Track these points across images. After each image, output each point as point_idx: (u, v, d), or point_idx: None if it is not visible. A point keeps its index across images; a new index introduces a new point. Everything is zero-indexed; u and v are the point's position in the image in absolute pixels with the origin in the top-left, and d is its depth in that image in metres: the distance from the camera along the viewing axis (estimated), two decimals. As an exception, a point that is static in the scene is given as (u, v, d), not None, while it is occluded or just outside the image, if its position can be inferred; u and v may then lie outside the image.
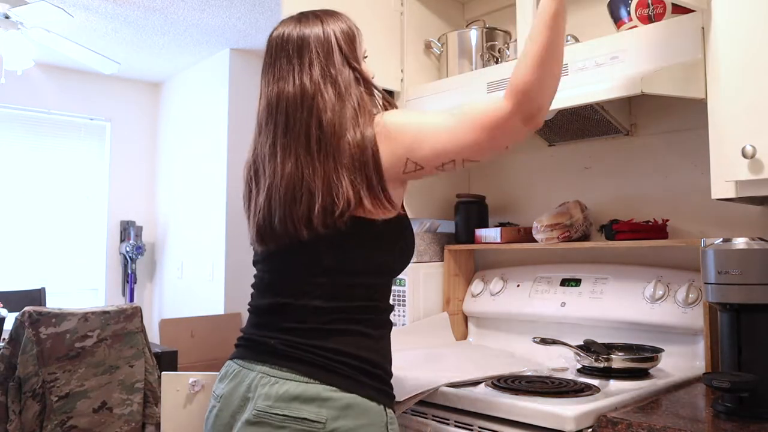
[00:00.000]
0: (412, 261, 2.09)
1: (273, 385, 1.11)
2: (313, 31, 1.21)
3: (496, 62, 2.10)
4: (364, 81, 1.21)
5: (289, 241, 1.17)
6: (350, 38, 1.23)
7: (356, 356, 1.13)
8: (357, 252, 1.16)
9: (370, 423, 1.09)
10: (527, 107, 1.10)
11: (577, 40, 1.85)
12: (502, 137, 1.12)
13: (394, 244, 1.21)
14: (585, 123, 1.88)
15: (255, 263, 1.30)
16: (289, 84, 1.19)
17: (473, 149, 1.13)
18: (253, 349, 1.19)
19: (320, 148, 1.14)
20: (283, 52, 1.21)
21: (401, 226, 1.23)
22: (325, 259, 1.16)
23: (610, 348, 1.62)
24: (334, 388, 1.09)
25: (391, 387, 1.19)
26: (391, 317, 1.68)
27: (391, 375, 1.20)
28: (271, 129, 1.22)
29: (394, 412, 1.18)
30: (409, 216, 2.18)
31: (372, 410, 1.11)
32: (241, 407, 1.15)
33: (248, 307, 1.30)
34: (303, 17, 1.25)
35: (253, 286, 1.30)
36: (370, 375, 1.14)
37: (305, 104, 1.16)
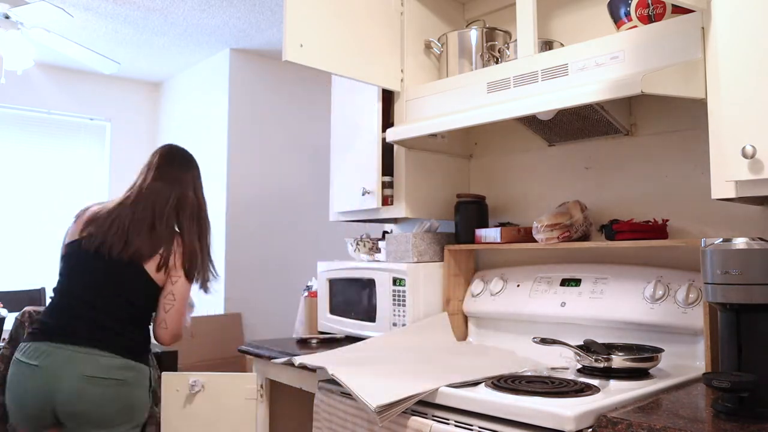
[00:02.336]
0: (412, 261, 2.10)
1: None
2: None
3: (496, 62, 2.10)
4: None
5: None
6: None
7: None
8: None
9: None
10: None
11: (561, 45, 1.86)
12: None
13: None
14: (585, 123, 1.88)
15: None
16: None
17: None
18: None
19: None
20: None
21: None
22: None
23: (610, 348, 1.62)
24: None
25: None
26: (392, 317, 1.68)
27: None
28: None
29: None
30: (410, 216, 2.20)
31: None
32: None
33: None
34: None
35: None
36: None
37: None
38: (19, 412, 1.78)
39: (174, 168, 2.03)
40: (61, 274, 1.95)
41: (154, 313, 1.93)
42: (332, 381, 1.72)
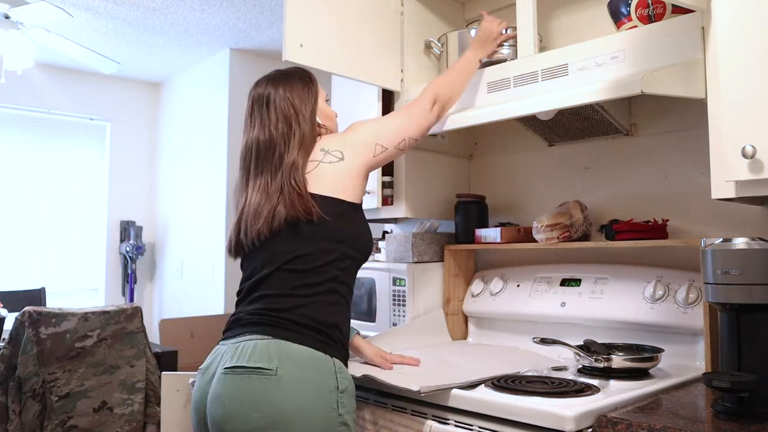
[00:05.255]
0: (412, 261, 2.10)
1: (240, 344, 1.35)
2: (278, 93, 1.55)
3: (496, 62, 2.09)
4: (312, 125, 1.54)
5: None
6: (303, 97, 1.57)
7: (305, 316, 1.37)
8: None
9: (318, 370, 1.32)
10: (443, 114, 1.78)
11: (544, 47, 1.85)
12: (427, 128, 1.71)
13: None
14: (585, 123, 1.88)
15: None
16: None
17: (415, 133, 1.65)
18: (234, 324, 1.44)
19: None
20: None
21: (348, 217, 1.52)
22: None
23: (610, 348, 1.62)
24: (283, 341, 1.33)
25: (341, 344, 1.41)
26: (392, 317, 1.70)
27: (340, 336, 1.41)
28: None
29: (346, 366, 1.41)
30: (410, 216, 2.19)
31: (318, 359, 1.33)
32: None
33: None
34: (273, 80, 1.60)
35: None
36: (317, 330, 1.36)
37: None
38: None
39: None
40: None
41: None
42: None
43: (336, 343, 1.39)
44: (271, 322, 1.35)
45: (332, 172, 1.47)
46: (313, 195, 1.42)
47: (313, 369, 1.31)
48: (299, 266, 1.39)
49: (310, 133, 1.50)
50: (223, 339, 1.43)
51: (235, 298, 1.49)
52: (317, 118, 1.55)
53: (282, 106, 1.51)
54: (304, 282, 1.39)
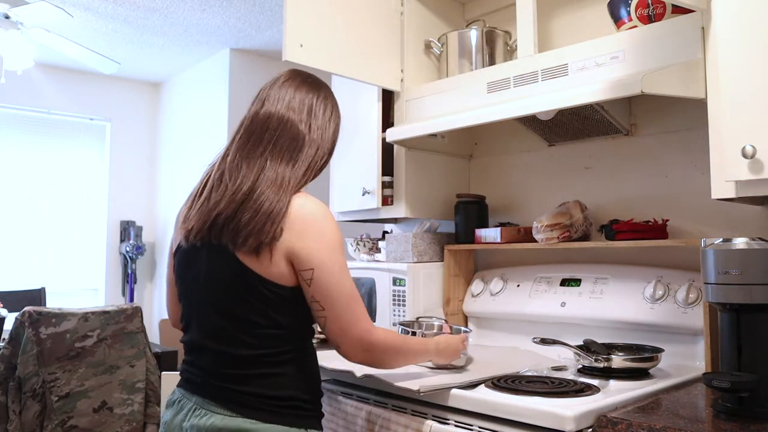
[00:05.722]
0: (412, 261, 2.10)
1: (202, 418, 1.24)
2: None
3: (496, 62, 2.10)
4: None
5: None
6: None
7: (273, 396, 1.24)
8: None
9: None
10: (358, 356, 1.28)
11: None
12: (328, 331, 1.28)
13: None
14: (585, 123, 1.88)
15: None
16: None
17: (326, 316, 1.27)
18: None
19: None
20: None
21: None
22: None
23: (610, 348, 1.62)
24: (253, 421, 1.21)
25: (313, 408, 1.29)
26: (392, 317, 1.67)
27: (311, 399, 1.29)
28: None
29: (320, 428, 1.30)
30: (410, 216, 2.19)
31: None
32: None
33: None
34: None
35: None
36: (289, 407, 1.24)
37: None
38: None
39: None
40: None
41: None
42: (334, 381, 1.72)
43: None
44: None
45: None
46: None
47: None
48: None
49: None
50: None
51: None
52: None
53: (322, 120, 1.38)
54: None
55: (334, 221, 1.28)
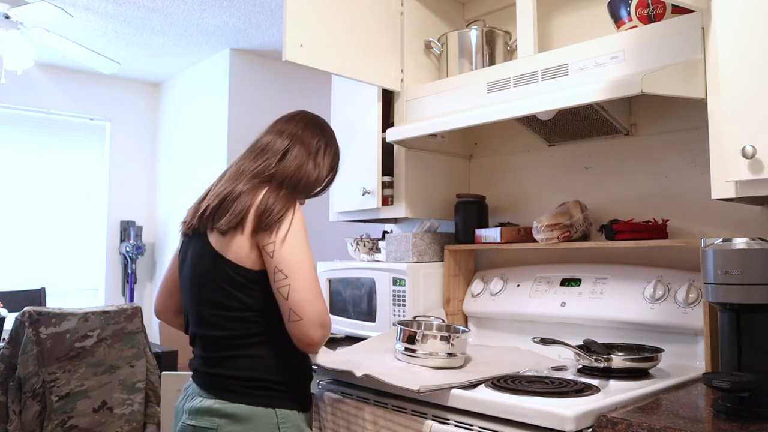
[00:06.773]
0: (412, 261, 2.10)
1: (192, 400, 1.38)
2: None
3: (496, 62, 2.10)
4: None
5: None
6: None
7: (243, 377, 1.34)
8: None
9: (257, 425, 1.31)
10: (321, 337, 1.38)
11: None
12: (283, 308, 1.36)
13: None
14: (585, 123, 1.88)
15: None
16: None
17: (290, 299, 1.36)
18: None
19: None
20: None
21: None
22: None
23: (610, 348, 1.62)
24: (223, 402, 1.32)
25: (285, 390, 1.36)
26: (392, 317, 1.67)
27: (284, 381, 1.37)
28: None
29: (303, 410, 1.39)
30: (410, 216, 2.20)
31: (257, 415, 1.31)
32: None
33: None
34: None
35: None
36: (258, 387, 1.34)
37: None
38: None
39: None
40: None
41: None
42: (334, 381, 1.72)
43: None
44: None
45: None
46: None
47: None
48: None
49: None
50: None
51: None
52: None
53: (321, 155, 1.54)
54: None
55: (299, 210, 1.40)
